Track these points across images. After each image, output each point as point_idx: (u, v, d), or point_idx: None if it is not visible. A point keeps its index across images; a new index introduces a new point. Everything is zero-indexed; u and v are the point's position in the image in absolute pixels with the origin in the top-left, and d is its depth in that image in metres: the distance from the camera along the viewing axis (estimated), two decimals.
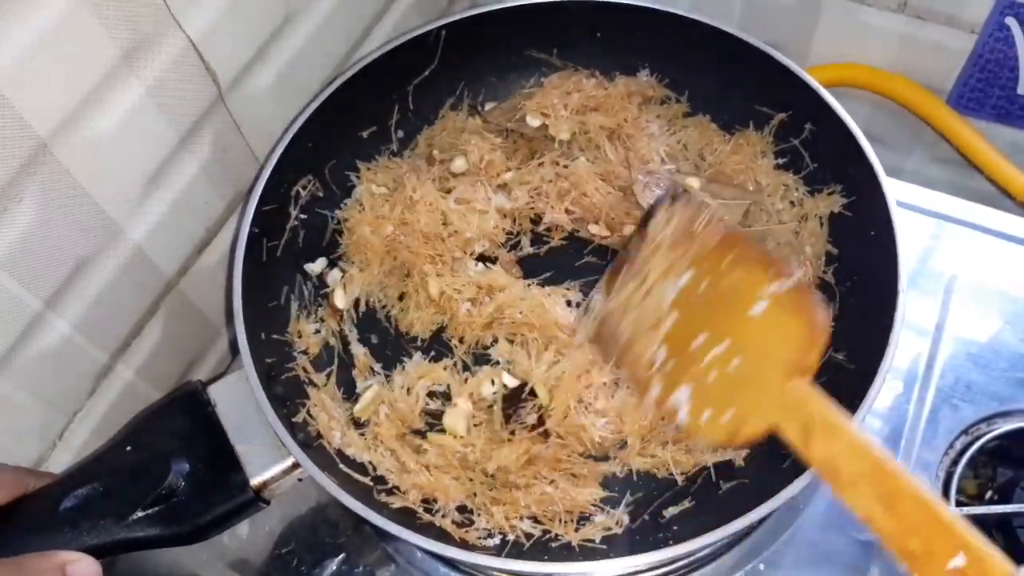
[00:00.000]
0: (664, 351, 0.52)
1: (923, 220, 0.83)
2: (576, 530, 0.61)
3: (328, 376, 0.70)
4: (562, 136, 0.79)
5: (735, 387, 0.48)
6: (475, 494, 0.62)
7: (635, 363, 0.53)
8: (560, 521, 0.61)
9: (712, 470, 0.65)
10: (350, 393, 0.70)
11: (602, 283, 0.62)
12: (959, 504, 0.69)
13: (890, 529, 0.39)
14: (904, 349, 0.74)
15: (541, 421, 0.65)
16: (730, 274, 0.51)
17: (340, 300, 0.73)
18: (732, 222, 0.72)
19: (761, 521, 0.61)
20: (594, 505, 0.63)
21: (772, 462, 0.62)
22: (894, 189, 0.67)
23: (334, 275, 0.75)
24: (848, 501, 0.41)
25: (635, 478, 0.66)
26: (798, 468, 0.56)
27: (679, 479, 0.65)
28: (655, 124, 0.81)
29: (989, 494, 0.71)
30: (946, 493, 0.69)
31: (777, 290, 0.49)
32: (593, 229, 0.76)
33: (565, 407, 0.64)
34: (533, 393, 0.67)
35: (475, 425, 0.67)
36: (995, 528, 0.67)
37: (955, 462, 0.70)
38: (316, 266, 0.76)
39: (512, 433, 0.66)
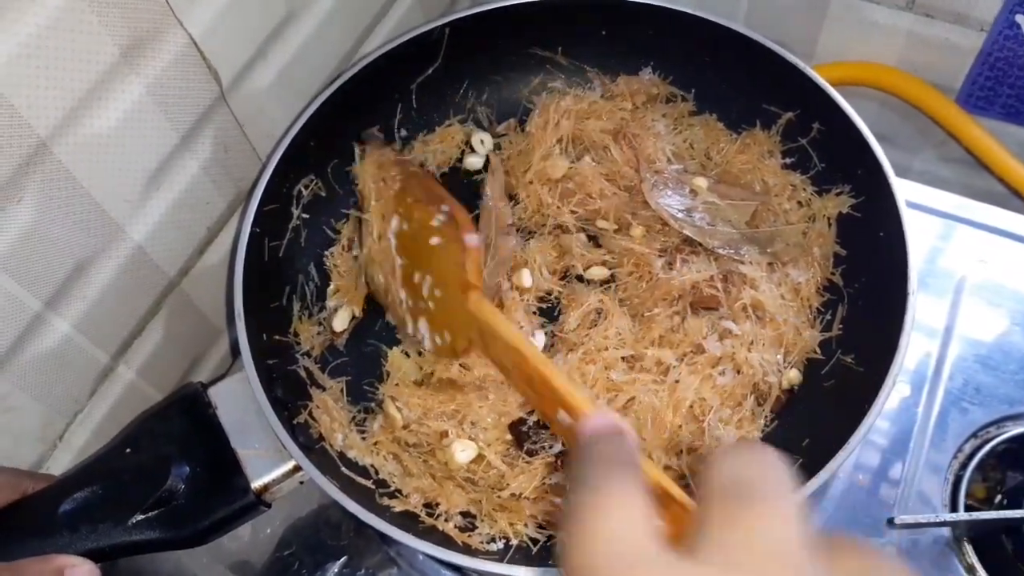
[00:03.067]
0: (404, 292, 0.60)
1: (932, 220, 0.83)
2: None
3: (332, 376, 0.70)
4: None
5: (444, 312, 0.56)
6: (480, 502, 0.62)
7: (393, 306, 0.62)
8: None
9: None
10: (354, 398, 0.70)
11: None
12: (968, 508, 0.68)
13: (535, 401, 0.47)
14: (913, 351, 0.73)
15: (564, 452, 0.64)
16: (414, 212, 0.60)
17: (338, 323, 0.73)
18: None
19: None
20: None
21: None
22: (903, 189, 0.66)
23: (335, 300, 0.75)
24: (510, 384, 0.51)
25: None
26: (801, 475, 0.56)
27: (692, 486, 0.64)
28: (661, 123, 0.80)
29: (999, 498, 0.70)
30: (955, 497, 0.68)
31: (439, 222, 0.57)
32: (602, 224, 0.76)
33: None
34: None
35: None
36: (1004, 534, 0.66)
37: (964, 466, 0.70)
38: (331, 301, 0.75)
39: (530, 455, 0.65)
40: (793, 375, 0.68)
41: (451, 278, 0.55)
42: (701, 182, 0.75)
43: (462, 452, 0.63)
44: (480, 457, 0.64)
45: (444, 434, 0.64)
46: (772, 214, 0.74)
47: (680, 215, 0.73)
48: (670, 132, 0.80)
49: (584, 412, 0.41)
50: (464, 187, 0.81)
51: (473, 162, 0.82)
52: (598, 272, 0.74)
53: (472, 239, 0.54)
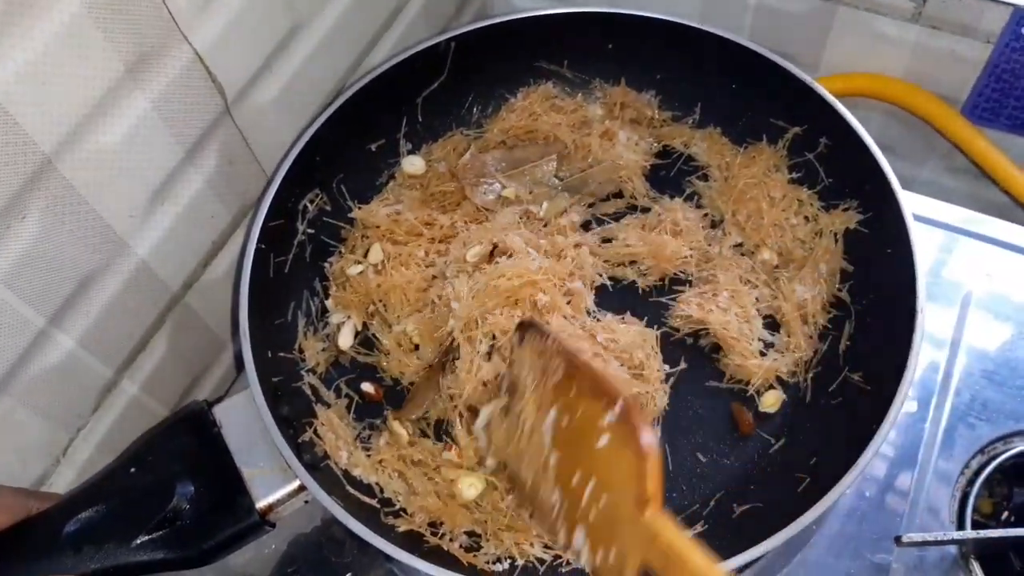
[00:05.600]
0: (557, 493, 0.52)
1: (937, 233, 0.82)
2: None
3: (337, 394, 0.69)
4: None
5: (610, 525, 0.48)
6: (486, 521, 0.62)
7: (542, 509, 0.54)
8: None
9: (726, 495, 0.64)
10: (359, 414, 0.69)
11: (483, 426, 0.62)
12: (975, 523, 0.68)
13: None
14: (920, 366, 0.73)
15: None
16: (579, 406, 0.51)
17: (343, 340, 0.72)
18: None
19: None
20: None
21: (786, 486, 0.61)
22: (910, 204, 0.66)
23: (338, 315, 0.74)
24: None
25: None
26: (812, 494, 0.55)
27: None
28: (623, 133, 0.81)
29: (1006, 515, 0.69)
30: (962, 513, 0.68)
31: (610, 421, 0.48)
32: None
33: None
34: None
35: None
36: (1012, 551, 0.66)
37: (971, 482, 0.69)
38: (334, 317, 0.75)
39: None
40: (769, 398, 0.68)
41: (621, 487, 0.47)
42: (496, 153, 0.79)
43: (469, 488, 0.63)
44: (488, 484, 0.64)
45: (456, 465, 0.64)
46: (778, 228, 0.75)
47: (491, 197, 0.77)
48: (629, 142, 0.80)
49: None
50: None
51: None
52: None
53: (649, 442, 0.46)
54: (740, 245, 0.76)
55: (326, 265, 0.76)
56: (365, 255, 0.75)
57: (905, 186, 0.68)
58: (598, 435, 0.48)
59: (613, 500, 0.47)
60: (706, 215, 0.78)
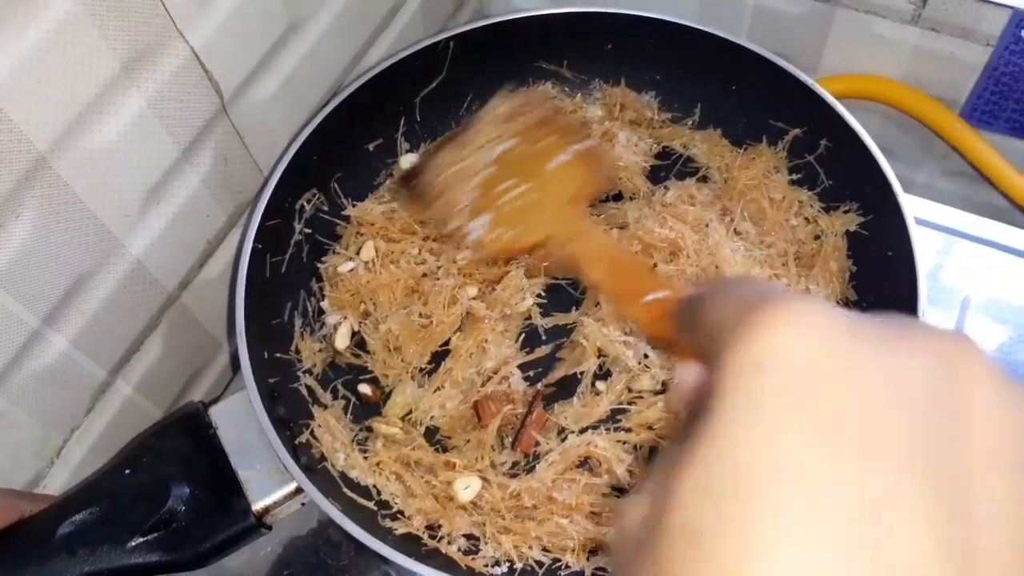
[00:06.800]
0: (473, 194, 0.61)
1: (936, 236, 0.82)
2: (588, 559, 0.60)
3: (334, 395, 0.69)
4: None
5: (524, 212, 0.59)
6: (484, 524, 0.61)
7: (444, 206, 0.62)
8: (572, 551, 0.60)
9: None
10: (356, 416, 0.69)
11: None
12: None
13: (613, 286, 0.50)
14: None
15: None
16: (543, 140, 0.62)
17: (340, 342, 0.72)
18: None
19: None
20: None
21: None
22: (911, 208, 0.66)
23: (334, 316, 0.74)
24: (586, 275, 0.52)
25: None
26: None
27: None
28: (623, 134, 0.80)
29: None
30: None
31: (577, 149, 0.61)
32: None
33: None
34: None
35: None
36: None
37: None
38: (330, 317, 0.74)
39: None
40: None
41: (562, 188, 0.59)
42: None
43: (466, 489, 0.63)
44: (487, 484, 0.63)
45: (451, 465, 0.64)
46: (781, 228, 0.75)
47: None
48: (628, 143, 0.80)
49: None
50: None
51: None
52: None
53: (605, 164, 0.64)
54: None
55: (322, 263, 0.75)
56: (358, 253, 0.75)
57: (903, 189, 0.68)
58: (555, 156, 0.61)
59: (541, 196, 0.59)
60: (719, 195, 0.77)
